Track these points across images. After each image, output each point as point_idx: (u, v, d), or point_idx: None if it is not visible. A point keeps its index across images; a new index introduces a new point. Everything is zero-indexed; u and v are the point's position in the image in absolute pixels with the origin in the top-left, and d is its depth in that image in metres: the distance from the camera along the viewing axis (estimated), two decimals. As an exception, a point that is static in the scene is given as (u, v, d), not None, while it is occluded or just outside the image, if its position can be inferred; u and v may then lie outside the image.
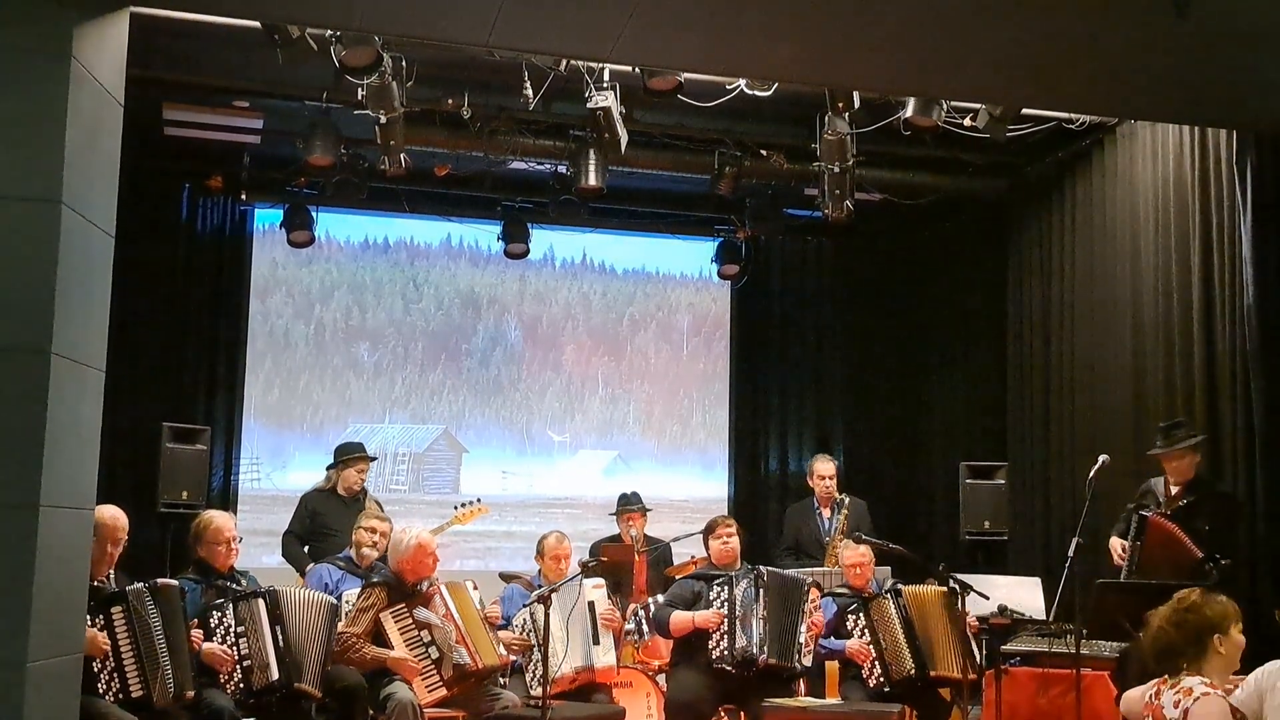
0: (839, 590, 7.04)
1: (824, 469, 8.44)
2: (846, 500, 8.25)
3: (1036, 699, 7.19)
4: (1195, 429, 6.72)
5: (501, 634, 6.53)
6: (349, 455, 7.92)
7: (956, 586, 6.40)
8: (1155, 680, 3.94)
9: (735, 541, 6.87)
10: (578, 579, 6.63)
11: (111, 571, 5.53)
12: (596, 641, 6.66)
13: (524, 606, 6.64)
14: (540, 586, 6.66)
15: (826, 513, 8.33)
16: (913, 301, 10.64)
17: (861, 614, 6.77)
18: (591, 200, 9.10)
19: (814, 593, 6.71)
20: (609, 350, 10.68)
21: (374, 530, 6.83)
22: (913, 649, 6.67)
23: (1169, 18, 4.93)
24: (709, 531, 6.95)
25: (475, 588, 6.61)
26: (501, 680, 6.45)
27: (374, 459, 8.19)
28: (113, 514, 5.38)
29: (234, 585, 5.98)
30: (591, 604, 6.69)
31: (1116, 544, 6.60)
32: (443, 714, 6.21)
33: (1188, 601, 3.88)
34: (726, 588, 6.58)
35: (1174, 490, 6.54)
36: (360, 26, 6.14)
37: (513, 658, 6.52)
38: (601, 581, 6.88)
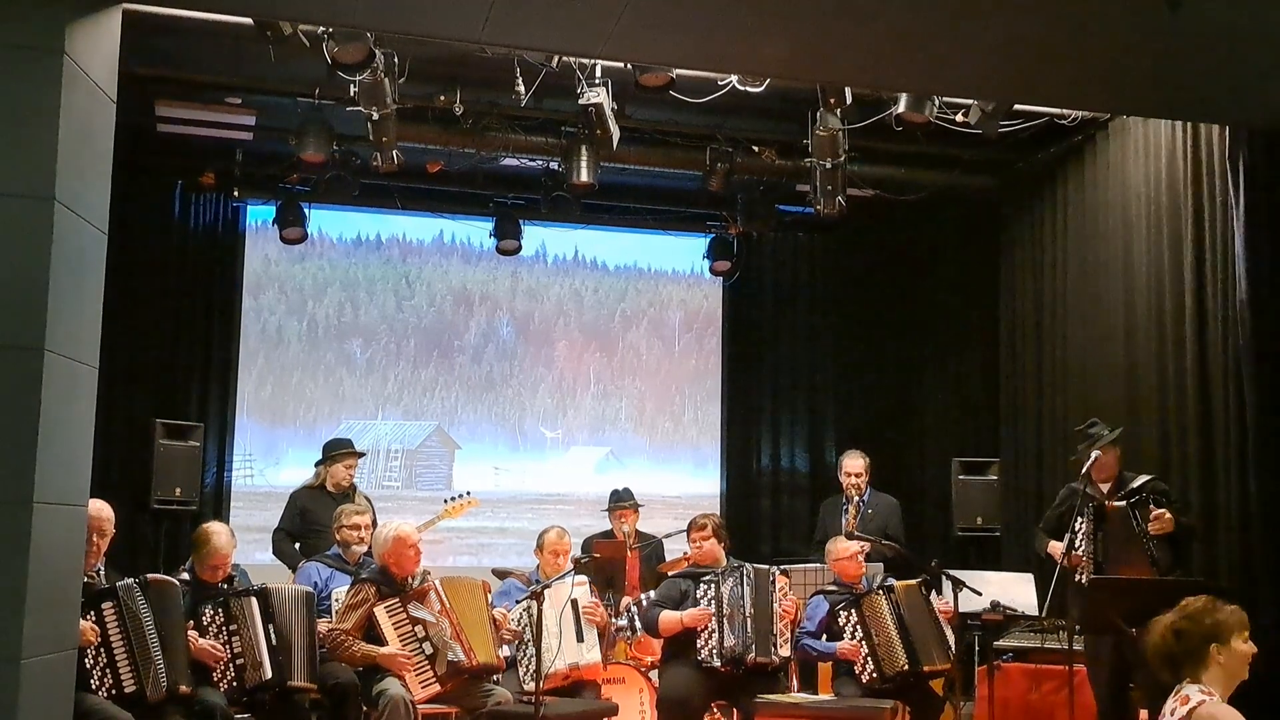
0: (829, 588, 6.98)
1: (848, 465, 8.29)
2: (856, 498, 8.17)
3: (1029, 694, 7.24)
4: (1110, 424, 6.85)
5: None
6: (337, 451, 7.88)
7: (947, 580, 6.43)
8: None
9: (716, 540, 6.86)
10: (569, 576, 6.62)
11: (102, 567, 5.54)
12: (580, 639, 6.64)
13: (517, 603, 6.64)
14: (536, 582, 6.66)
15: (853, 510, 8.20)
16: (905, 297, 10.64)
17: (854, 610, 6.71)
18: (583, 196, 9.07)
19: (781, 580, 6.74)
20: (601, 346, 10.68)
21: (356, 526, 6.81)
22: (906, 644, 6.63)
23: (1161, 13, 4.94)
24: (691, 529, 6.95)
25: (488, 589, 6.59)
26: (495, 676, 6.44)
27: (362, 454, 8.16)
28: (96, 505, 5.34)
29: (224, 584, 5.97)
30: (574, 601, 6.66)
31: (1056, 548, 6.63)
32: (436, 710, 6.22)
33: (1189, 610, 3.86)
34: (714, 586, 6.59)
35: (1105, 488, 6.65)
36: (352, 23, 6.15)
37: (507, 653, 6.51)
38: (584, 578, 6.82)
